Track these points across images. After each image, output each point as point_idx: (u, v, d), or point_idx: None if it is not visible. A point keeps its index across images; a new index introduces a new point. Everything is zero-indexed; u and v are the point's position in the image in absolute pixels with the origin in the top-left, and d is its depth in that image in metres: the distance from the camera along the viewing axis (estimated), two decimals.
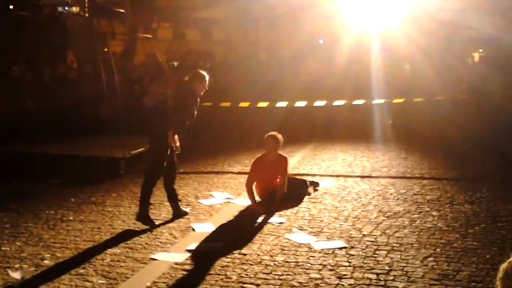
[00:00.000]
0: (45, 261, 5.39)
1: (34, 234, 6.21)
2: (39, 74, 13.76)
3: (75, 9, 17.81)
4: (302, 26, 16.18)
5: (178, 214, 6.75)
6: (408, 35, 14.46)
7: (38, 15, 16.22)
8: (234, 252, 5.51)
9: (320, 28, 16.38)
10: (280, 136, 7.34)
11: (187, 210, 6.94)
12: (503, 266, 1.64)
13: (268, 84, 13.91)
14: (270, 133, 7.38)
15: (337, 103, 11.49)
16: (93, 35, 15.30)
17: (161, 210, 7.01)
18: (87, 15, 16.51)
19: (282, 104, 11.27)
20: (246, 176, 8.63)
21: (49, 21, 16.22)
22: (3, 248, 5.78)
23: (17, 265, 5.28)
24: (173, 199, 6.83)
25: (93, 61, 14.05)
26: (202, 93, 6.80)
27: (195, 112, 6.70)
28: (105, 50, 14.79)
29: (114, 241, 5.91)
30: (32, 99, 12.81)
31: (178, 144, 6.63)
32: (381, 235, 5.89)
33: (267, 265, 5.16)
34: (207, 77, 6.75)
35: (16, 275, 5.01)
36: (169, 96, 7.13)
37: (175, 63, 17.07)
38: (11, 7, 15.85)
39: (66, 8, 17.78)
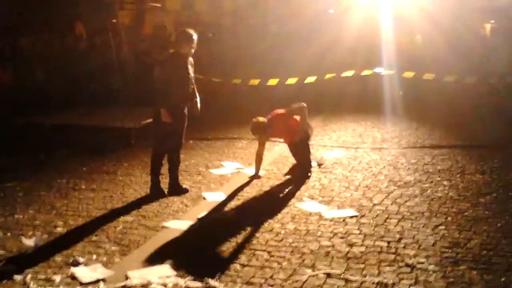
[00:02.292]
0: (58, 229, 5.45)
1: (46, 203, 6.27)
2: (48, 45, 13.71)
3: None
4: None
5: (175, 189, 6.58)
6: (419, 5, 14.23)
7: None
8: (245, 220, 5.53)
9: None
10: (253, 123, 7.15)
11: (186, 187, 6.65)
12: None
13: (278, 56, 13.83)
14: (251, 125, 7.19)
15: (346, 74, 11.35)
16: (102, 6, 15.20)
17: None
18: None
19: (292, 80, 11.14)
20: (256, 146, 8.68)
21: None
22: (16, 216, 5.84)
23: (30, 233, 5.34)
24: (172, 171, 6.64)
25: (102, 32, 13.99)
26: (192, 53, 6.41)
27: (190, 81, 6.39)
28: (114, 21, 14.70)
29: (126, 209, 5.95)
30: (41, 70, 12.82)
31: (169, 119, 6.21)
32: (391, 204, 5.90)
33: (278, 233, 5.18)
34: (194, 36, 6.29)
35: (30, 242, 5.07)
36: (157, 70, 6.56)
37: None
38: None
39: None
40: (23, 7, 13.81)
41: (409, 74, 11.16)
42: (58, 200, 6.37)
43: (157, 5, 17.10)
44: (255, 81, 11.45)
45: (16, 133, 9.55)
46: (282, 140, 7.96)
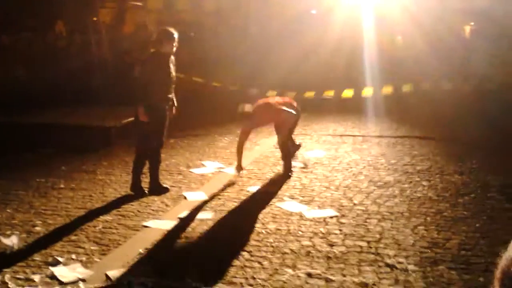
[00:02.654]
0: (37, 228, 5.40)
1: (25, 202, 6.20)
2: (29, 43, 13.58)
3: None
4: None
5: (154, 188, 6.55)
6: (400, 6, 14.36)
7: None
8: (226, 220, 5.54)
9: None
10: (241, 111, 7.15)
11: (167, 186, 6.61)
12: (501, 264, 1.37)
13: (259, 56, 13.84)
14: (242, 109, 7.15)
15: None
16: (83, 4, 15.08)
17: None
18: None
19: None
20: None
21: None
22: None
23: (8, 232, 5.28)
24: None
25: (82, 30, 13.89)
26: (173, 52, 6.36)
27: (171, 81, 6.39)
28: (95, 19, 14.59)
29: (106, 209, 5.91)
30: (23, 68, 12.69)
31: (145, 119, 6.20)
32: (371, 204, 5.93)
33: (259, 232, 5.19)
34: (175, 35, 6.27)
35: (8, 242, 5.01)
36: (138, 69, 6.58)
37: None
38: None
39: None
40: (4, 5, 13.66)
41: (387, 90, 11.24)
42: (37, 199, 6.30)
43: (139, 4, 17.01)
44: (234, 87, 11.47)
45: None
46: (266, 137, 7.98)
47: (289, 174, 7.08)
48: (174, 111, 6.59)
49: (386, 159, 7.84)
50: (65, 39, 14.23)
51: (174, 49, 6.35)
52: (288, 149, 7.30)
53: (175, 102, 6.56)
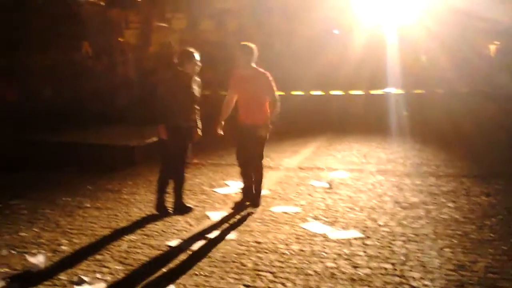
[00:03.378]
0: (63, 247, 5.45)
1: (51, 220, 6.28)
2: (55, 63, 13.84)
3: None
4: (317, 16, 16.09)
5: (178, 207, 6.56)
6: (423, 26, 14.33)
7: (52, 4, 16.27)
8: (249, 240, 5.53)
9: (335, 18, 16.28)
10: (251, 45, 6.49)
11: (191, 206, 6.62)
12: None
13: (282, 75, 13.88)
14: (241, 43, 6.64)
15: (353, 92, 11.40)
16: (108, 25, 15.36)
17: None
18: (102, 4, 16.54)
19: (297, 93, 11.21)
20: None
21: (63, 10, 16.27)
22: (21, 234, 5.84)
23: (35, 251, 5.34)
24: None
25: (108, 51, 14.12)
26: (195, 72, 6.36)
27: (194, 101, 6.37)
28: (120, 39, 14.84)
29: (131, 228, 5.95)
30: (48, 87, 12.93)
31: (165, 136, 6.25)
32: (396, 225, 5.88)
33: (283, 253, 5.17)
34: (196, 54, 6.30)
35: (35, 260, 5.07)
36: (161, 88, 6.45)
37: None
38: None
39: None
40: (32, 25, 13.96)
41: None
42: (63, 218, 6.38)
43: (163, 24, 17.24)
44: None
45: (21, 150, 9.59)
46: (289, 157, 7.92)
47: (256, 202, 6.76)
48: (198, 132, 6.55)
49: (411, 180, 7.78)
50: (91, 59, 14.46)
51: (197, 69, 6.39)
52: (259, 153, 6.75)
53: (199, 123, 6.55)
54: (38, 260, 5.07)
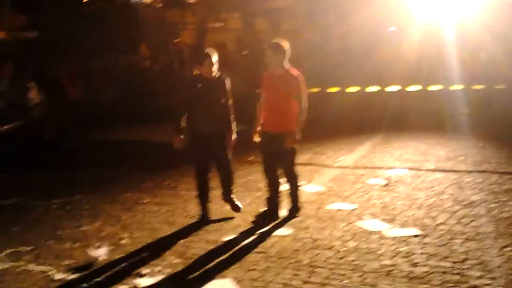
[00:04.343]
0: (123, 241, 5.61)
1: (112, 215, 6.47)
2: (115, 64, 14.26)
3: (147, 0, 18.24)
4: (373, 14, 15.90)
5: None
6: (482, 21, 13.92)
7: (111, 7, 16.75)
8: (305, 237, 5.53)
9: (391, 15, 16.04)
10: (284, 43, 5.95)
11: (239, 205, 6.35)
12: None
13: (338, 72, 13.81)
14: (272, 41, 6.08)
15: (409, 89, 11.20)
16: (165, 26, 15.66)
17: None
18: (159, 6, 16.89)
19: (353, 89, 11.13)
20: (316, 165, 8.65)
21: (122, 12, 16.72)
22: (83, 228, 6.06)
23: (97, 244, 5.52)
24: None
25: (165, 51, 14.40)
26: (212, 73, 5.89)
27: (214, 106, 5.91)
28: (177, 40, 15.10)
29: (188, 223, 6.07)
30: (108, 88, 13.32)
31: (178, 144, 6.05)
32: (456, 224, 5.74)
33: (339, 250, 5.15)
34: (212, 55, 5.85)
35: (96, 253, 5.25)
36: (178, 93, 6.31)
37: (245, 53, 17.20)
38: None
39: None
40: (93, 28, 14.40)
41: (478, 86, 10.82)
42: (123, 213, 6.56)
43: (219, 24, 17.43)
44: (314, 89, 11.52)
45: (83, 148, 9.92)
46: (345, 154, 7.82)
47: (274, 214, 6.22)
48: (232, 138, 6.13)
49: (471, 177, 7.57)
50: (149, 60, 14.79)
51: (213, 70, 5.90)
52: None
53: (233, 127, 6.15)
54: (100, 253, 5.25)
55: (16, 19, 15.41)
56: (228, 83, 6.06)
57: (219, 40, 17.14)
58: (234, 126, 6.14)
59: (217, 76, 5.98)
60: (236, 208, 6.34)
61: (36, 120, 9.47)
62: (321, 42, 16.84)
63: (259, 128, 6.13)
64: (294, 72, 5.98)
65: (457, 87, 12.14)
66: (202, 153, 6.06)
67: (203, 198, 6.20)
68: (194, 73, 6.16)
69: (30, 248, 5.46)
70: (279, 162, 6.11)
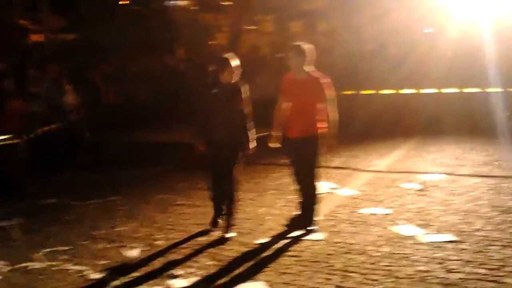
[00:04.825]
0: (158, 242, 5.68)
1: (147, 216, 6.57)
2: (150, 65, 14.45)
3: (182, 3, 18.43)
4: (408, 15, 15.73)
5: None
6: None
7: (146, 9, 16.99)
8: (338, 241, 5.51)
9: (428, 17, 15.84)
10: (307, 46, 5.72)
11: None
12: None
13: (373, 73, 13.70)
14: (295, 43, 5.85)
15: (446, 91, 11.03)
16: (200, 29, 15.79)
17: (264, 198, 7.16)
18: (194, 8, 17.04)
19: (387, 91, 11.04)
20: (350, 168, 8.58)
21: (157, 14, 16.93)
22: (118, 228, 6.15)
23: (132, 244, 5.60)
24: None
25: (200, 54, 14.53)
26: (231, 80, 5.64)
27: (231, 114, 5.65)
28: (212, 42, 15.20)
29: (221, 226, 6.09)
30: (144, 90, 13.51)
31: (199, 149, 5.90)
32: (493, 230, 5.65)
33: (372, 255, 5.11)
34: (233, 61, 5.61)
35: (131, 254, 5.33)
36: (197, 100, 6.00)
37: (279, 55, 17.21)
38: (120, 2, 16.70)
39: (173, 2, 18.43)
40: (129, 31, 14.64)
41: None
42: (158, 214, 6.64)
43: (253, 27, 17.48)
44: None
45: (120, 149, 10.08)
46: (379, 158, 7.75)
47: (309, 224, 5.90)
48: (249, 147, 5.79)
49: (508, 183, 7.44)
50: (184, 63, 14.93)
51: (234, 77, 5.67)
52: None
53: (251, 136, 5.78)
54: (134, 253, 5.33)
55: (55, 21, 15.77)
56: (245, 89, 5.76)
57: (253, 43, 17.22)
58: (252, 133, 5.79)
59: (234, 82, 5.70)
60: (213, 224, 5.96)
61: (74, 122, 9.66)
62: (356, 43, 16.73)
63: (278, 133, 5.95)
64: (318, 75, 5.74)
65: (495, 89, 11.87)
66: (217, 161, 5.85)
67: (215, 203, 6.03)
68: (210, 78, 5.92)
69: (67, 248, 5.57)
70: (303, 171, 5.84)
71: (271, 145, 5.98)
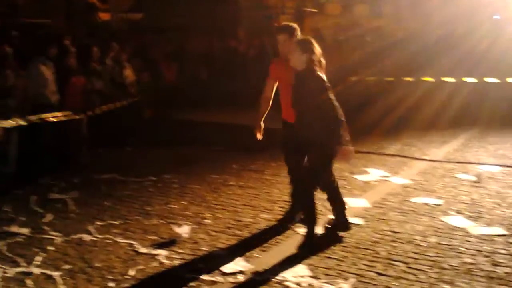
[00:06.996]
0: (206, 220, 5.82)
1: (198, 195, 6.72)
2: (210, 46, 14.61)
3: None
4: (477, 1, 15.17)
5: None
6: None
7: None
8: (385, 229, 5.48)
9: (497, 3, 15.22)
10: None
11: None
12: None
13: (436, 60, 13.32)
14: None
15: (510, 80, 10.62)
16: (263, 11, 15.78)
17: None
18: None
19: (448, 79, 10.76)
20: (404, 156, 8.45)
21: None
22: (170, 206, 6.34)
23: (181, 222, 5.77)
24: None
25: (262, 35, 14.54)
26: (300, 67, 4.96)
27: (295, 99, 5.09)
28: (275, 24, 15.14)
29: (270, 208, 6.18)
30: (204, 71, 13.70)
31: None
32: None
33: (418, 245, 5.07)
34: (304, 44, 4.98)
35: (180, 231, 5.50)
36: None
37: (341, 38, 16.98)
38: None
39: None
40: (191, 11, 14.83)
41: None
42: (209, 193, 6.79)
43: (314, 10, 17.31)
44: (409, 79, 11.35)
45: (177, 129, 10.31)
46: (436, 147, 7.61)
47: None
48: (339, 150, 4.93)
49: None
50: (245, 44, 14.97)
51: (301, 63, 4.96)
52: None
53: (339, 137, 4.86)
54: (183, 230, 5.50)
55: (122, 1, 16.14)
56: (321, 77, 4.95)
57: (316, 25, 17.04)
58: (342, 133, 4.86)
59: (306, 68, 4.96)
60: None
61: (134, 99, 9.93)
62: (421, 29, 16.30)
63: (262, 124, 5.71)
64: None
65: None
66: (293, 153, 5.47)
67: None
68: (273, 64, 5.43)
69: (120, 222, 5.80)
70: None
71: (258, 136, 5.94)
